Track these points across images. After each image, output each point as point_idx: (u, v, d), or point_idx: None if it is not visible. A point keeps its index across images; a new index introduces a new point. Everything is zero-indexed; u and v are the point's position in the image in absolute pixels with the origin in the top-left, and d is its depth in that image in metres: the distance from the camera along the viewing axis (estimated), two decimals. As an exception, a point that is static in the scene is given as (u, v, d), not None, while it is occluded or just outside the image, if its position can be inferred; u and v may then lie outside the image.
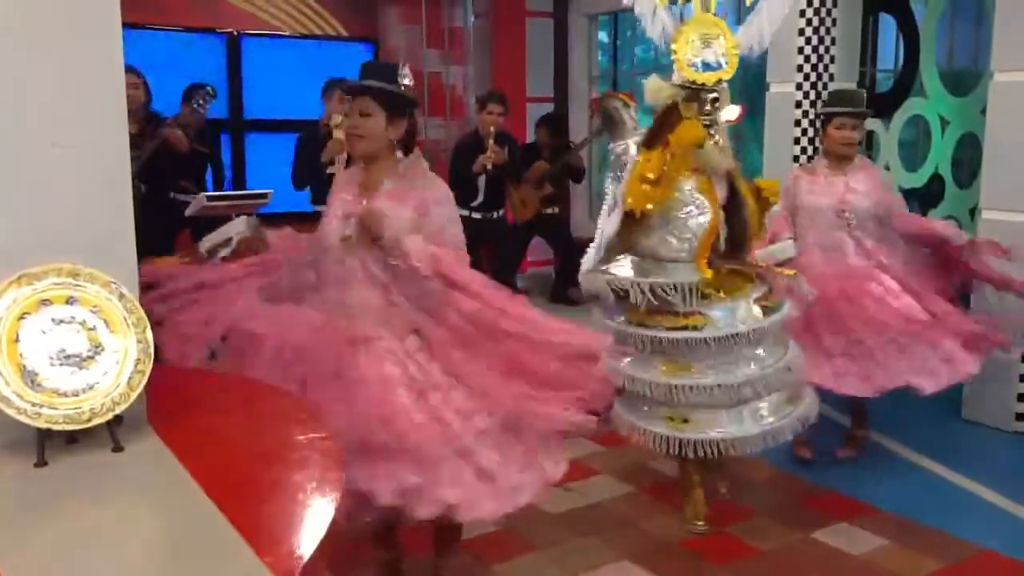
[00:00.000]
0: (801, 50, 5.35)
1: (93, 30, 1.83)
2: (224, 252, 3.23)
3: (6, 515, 1.53)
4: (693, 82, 3.30)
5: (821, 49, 5.31)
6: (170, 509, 1.57)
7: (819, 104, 5.26)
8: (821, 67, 5.33)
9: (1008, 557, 3.38)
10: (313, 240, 2.90)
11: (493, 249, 6.08)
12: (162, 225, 5.23)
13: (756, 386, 3.35)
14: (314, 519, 1.44)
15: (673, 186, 3.29)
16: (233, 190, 6.83)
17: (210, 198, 5.86)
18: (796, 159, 5.43)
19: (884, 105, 5.76)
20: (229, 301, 2.77)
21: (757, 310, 3.42)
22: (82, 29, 1.82)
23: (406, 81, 2.76)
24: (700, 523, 3.61)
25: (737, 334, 3.33)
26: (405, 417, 2.46)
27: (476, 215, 5.90)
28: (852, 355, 3.96)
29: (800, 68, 5.37)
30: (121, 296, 1.81)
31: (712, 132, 3.37)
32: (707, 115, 3.34)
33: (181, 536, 1.46)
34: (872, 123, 5.55)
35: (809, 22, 5.29)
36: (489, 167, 5.73)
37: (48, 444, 1.71)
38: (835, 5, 5.28)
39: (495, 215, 6.03)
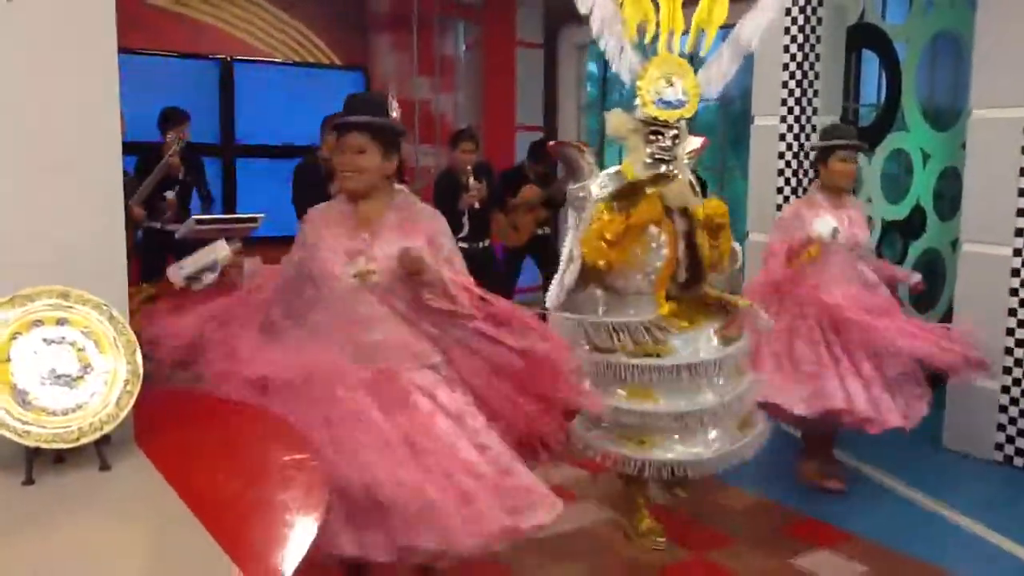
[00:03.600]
0: (785, 84, 5.45)
1: (90, 59, 1.89)
2: (210, 279, 3.22)
3: (20, 541, 1.55)
4: (656, 119, 3.41)
5: (805, 84, 5.40)
6: (156, 527, 1.60)
7: (803, 137, 5.35)
8: (805, 101, 5.42)
9: (984, 584, 3.43)
10: (300, 275, 2.82)
11: (482, 279, 6.12)
12: (156, 251, 5.33)
13: (716, 414, 3.46)
14: (296, 537, 1.47)
15: (627, 252, 3.42)
16: (224, 214, 6.88)
17: (199, 221, 5.91)
18: (780, 190, 5.51)
19: (867, 139, 5.85)
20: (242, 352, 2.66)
21: (716, 340, 3.53)
22: (78, 58, 1.87)
23: (394, 112, 2.78)
24: (660, 539, 3.71)
25: (697, 364, 3.44)
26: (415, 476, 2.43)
27: (463, 245, 5.94)
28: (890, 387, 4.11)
29: (784, 102, 5.46)
30: (111, 318, 1.85)
31: (672, 168, 3.46)
32: (667, 151, 3.43)
33: (166, 553, 1.49)
34: (854, 156, 5.65)
35: (793, 57, 5.40)
36: (476, 205, 5.85)
37: (36, 462, 1.74)
38: (819, 41, 5.38)
39: (481, 245, 6.09)
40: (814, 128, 5.40)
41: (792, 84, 5.43)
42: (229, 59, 7.28)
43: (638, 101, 3.48)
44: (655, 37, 3.48)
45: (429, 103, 8.17)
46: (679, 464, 3.52)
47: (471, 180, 5.85)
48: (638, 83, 3.45)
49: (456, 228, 5.97)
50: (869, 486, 4.51)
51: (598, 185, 3.56)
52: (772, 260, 4.27)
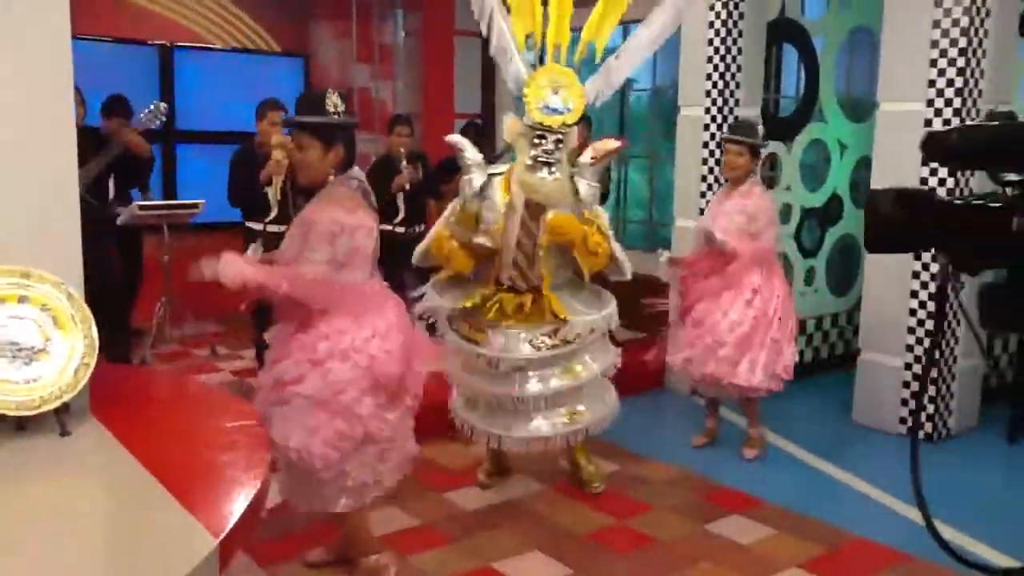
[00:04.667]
0: (709, 76, 5.72)
1: (43, 43, 2.03)
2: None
3: None
4: (540, 124, 3.59)
5: (728, 76, 5.68)
6: (113, 483, 1.78)
7: (726, 127, 5.64)
8: (727, 92, 5.70)
9: (882, 545, 3.74)
10: None
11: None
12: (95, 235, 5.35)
13: (535, 402, 3.89)
14: (243, 489, 1.67)
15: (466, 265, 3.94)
16: (164, 200, 6.95)
17: (142, 207, 6.00)
18: (703, 178, 5.79)
19: (787, 129, 6.17)
20: None
21: (528, 348, 3.84)
22: (32, 42, 2.01)
23: (336, 108, 2.96)
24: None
25: (499, 359, 3.83)
26: None
27: (399, 230, 6.15)
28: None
29: (708, 93, 5.74)
30: (69, 296, 2.01)
31: (553, 169, 3.63)
32: (549, 154, 3.61)
33: (124, 504, 1.68)
34: (775, 146, 5.95)
35: (716, 50, 5.66)
36: (407, 187, 6.02)
37: (1, 428, 1.90)
38: (740, 35, 5.65)
39: (417, 230, 6.26)
40: (736, 117, 5.67)
41: (716, 76, 5.70)
42: (169, 45, 7.32)
43: (525, 107, 3.64)
44: (542, 47, 3.68)
45: (368, 90, 8.29)
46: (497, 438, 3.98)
47: (403, 164, 6.02)
48: (525, 90, 3.63)
49: (392, 213, 6.17)
50: (783, 457, 4.83)
51: (478, 176, 3.83)
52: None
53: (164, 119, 5.43)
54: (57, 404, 1.93)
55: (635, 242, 7.61)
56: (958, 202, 1.52)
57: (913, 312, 5.04)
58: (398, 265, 6.37)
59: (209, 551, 1.42)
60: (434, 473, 4.33)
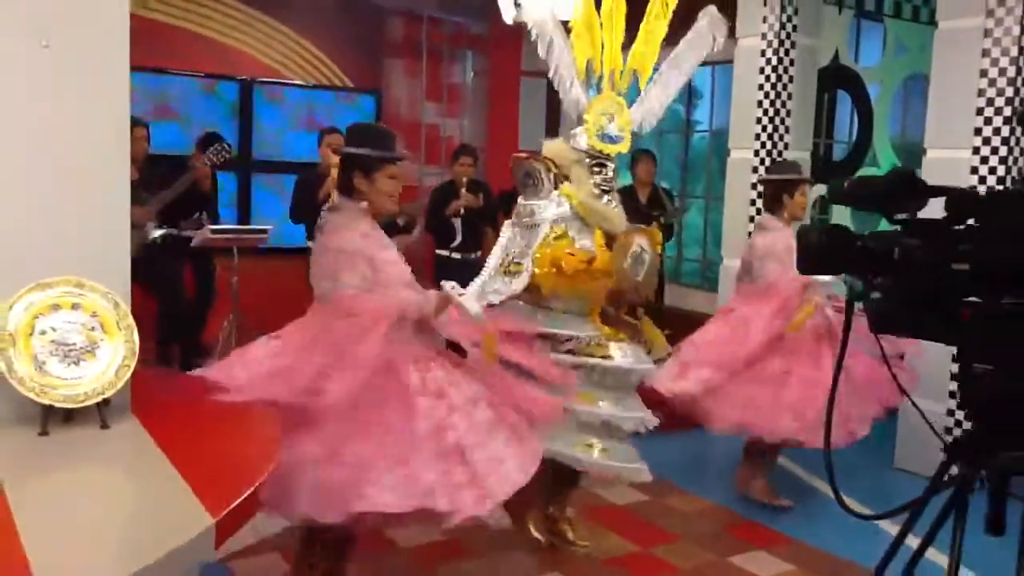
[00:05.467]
0: (759, 120, 5.85)
1: (103, 73, 2.31)
2: None
3: (18, 471, 1.97)
4: (600, 151, 3.69)
5: (777, 120, 5.80)
6: (137, 469, 2.05)
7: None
8: (776, 136, 5.82)
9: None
10: None
11: (472, 289, 6.55)
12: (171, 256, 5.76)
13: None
14: (247, 477, 1.89)
15: (577, 289, 3.67)
16: (239, 225, 7.36)
17: (214, 231, 6.38)
18: (752, 219, 5.89)
19: (840, 172, 6.25)
20: None
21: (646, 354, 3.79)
22: (93, 72, 2.29)
23: None
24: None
25: (641, 369, 3.72)
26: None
27: (456, 255, 6.40)
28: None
29: (758, 136, 5.86)
30: (116, 305, 2.28)
31: (610, 197, 3.74)
32: (608, 182, 3.73)
33: (142, 485, 1.93)
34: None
35: (767, 95, 5.80)
36: (461, 211, 6.26)
37: (50, 418, 2.16)
38: (791, 81, 5.78)
39: (474, 256, 6.49)
40: (784, 161, 5.77)
41: (765, 120, 5.83)
42: (249, 80, 7.76)
43: (581, 133, 3.70)
44: (600, 75, 3.74)
45: (436, 126, 8.62)
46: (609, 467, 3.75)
47: (463, 190, 6.28)
48: (585, 116, 3.69)
49: (449, 236, 6.43)
50: (818, 499, 4.85)
51: (549, 206, 3.70)
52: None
53: (229, 156, 5.80)
54: (98, 399, 2.19)
55: (691, 279, 7.72)
56: (863, 236, 1.89)
57: (955, 358, 5.03)
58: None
59: (205, 528, 1.64)
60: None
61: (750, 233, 5.89)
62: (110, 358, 2.24)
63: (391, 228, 6.36)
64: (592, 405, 3.69)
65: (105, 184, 2.31)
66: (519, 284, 3.60)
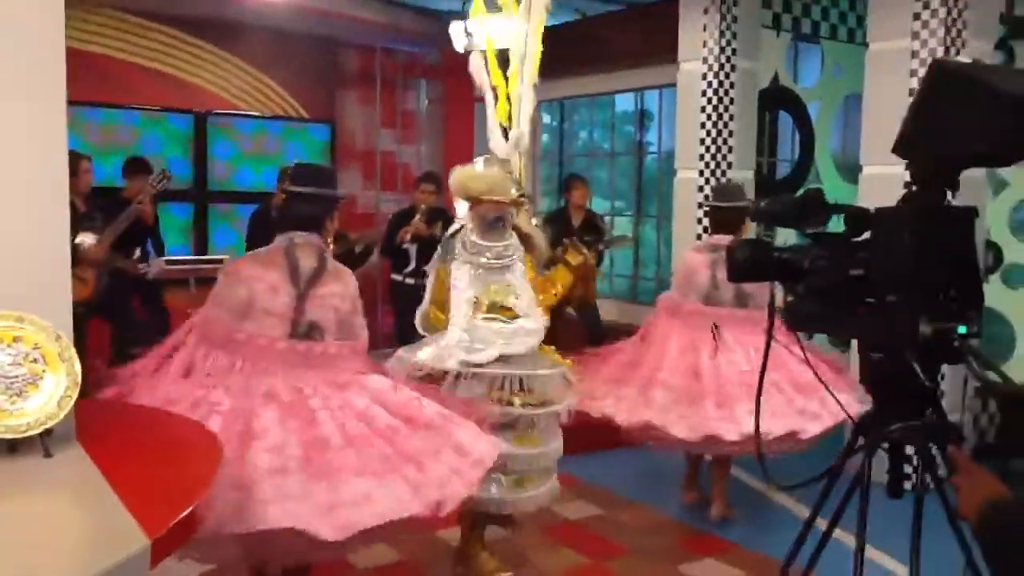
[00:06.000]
0: (702, 141, 6.02)
1: (40, 110, 2.37)
2: None
3: None
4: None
5: (720, 141, 5.97)
6: (77, 494, 2.10)
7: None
8: (720, 156, 5.99)
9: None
10: None
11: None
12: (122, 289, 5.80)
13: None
14: (183, 499, 1.96)
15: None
16: (195, 255, 7.41)
17: (169, 262, 6.43)
18: (699, 236, 6.05)
19: (783, 190, 6.42)
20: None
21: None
22: (29, 109, 2.35)
23: None
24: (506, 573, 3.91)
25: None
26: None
27: (409, 280, 6.48)
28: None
29: (702, 157, 6.03)
30: (58, 337, 2.34)
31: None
32: None
33: (80, 509, 2.00)
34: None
35: (709, 117, 5.97)
36: (408, 238, 6.35)
37: (-7, 450, 2.21)
38: (732, 103, 5.96)
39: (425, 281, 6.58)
40: (729, 180, 5.95)
41: (708, 141, 6.00)
42: (204, 112, 7.82)
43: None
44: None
45: (392, 153, 8.73)
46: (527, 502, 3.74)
47: (416, 217, 6.37)
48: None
49: (404, 263, 6.51)
50: (773, 509, 4.94)
51: (516, 242, 3.87)
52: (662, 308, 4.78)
53: (169, 183, 5.86)
54: (41, 430, 2.24)
55: (648, 298, 7.86)
56: (781, 248, 2.25)
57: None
58: (410, 310, 6.69)
59: (141, 547, 1.71)
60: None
61: (698, 250, 6.06)
62: (52, 389, 2.29)
63: (349, 254, 6.46)
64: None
65: (44, 220, 2.38)
66: (537, 322, 3.75)
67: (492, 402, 3.57)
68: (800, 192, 2.66)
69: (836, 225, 2.20)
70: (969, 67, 1.97)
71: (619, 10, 7.21)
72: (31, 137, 2.35)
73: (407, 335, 6.65)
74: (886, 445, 2.17)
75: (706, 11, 5.92)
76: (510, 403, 3.61)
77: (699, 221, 6.05)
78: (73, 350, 2.37)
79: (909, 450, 2.28)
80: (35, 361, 2.31)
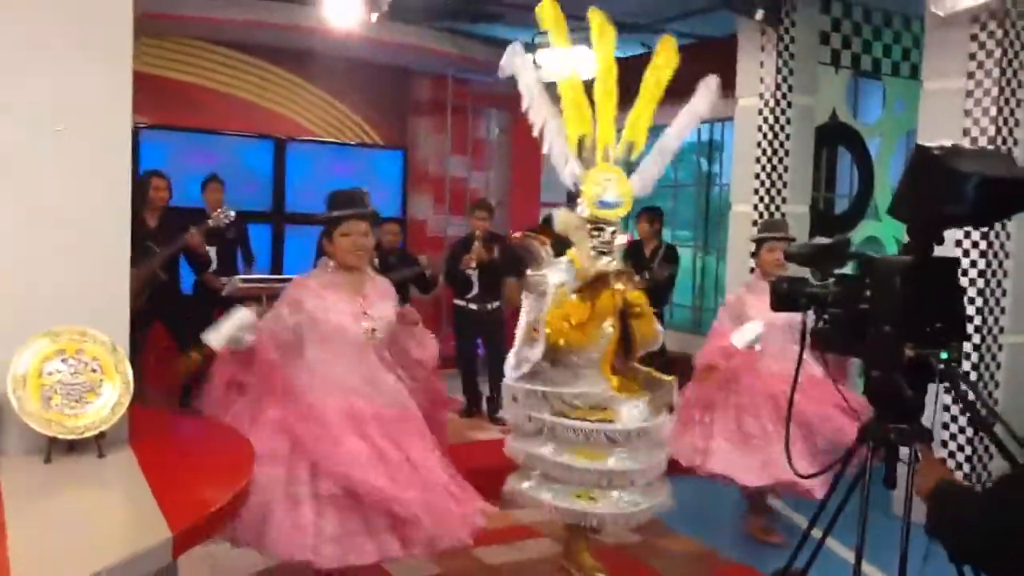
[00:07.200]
0: (758, 176, 6.10)
1: (105, 141, 2.66)
2: (249, 339, 3.69)
3: (28, 496, 2.30)
4: (597, 218, 3.98)
5: (775, 176, 6.05)
6: (118, 491, 2.37)
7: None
8: (774, 191, 6.06)
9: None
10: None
11: (487, 338, 6.85)
12: (197, 304, 6.15)
13: (633, 476, 3.92)
14: (210, 501, 2.19)
15: (587, 334, 3.95)
16: (269, 275, 7.77)
17: (244, 280, 6.79)
18: (752, 270, 6.11)
19: (841, 225, 6.45)
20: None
21: (648, 410, 4.00)
22: (96, 141, 2.64)
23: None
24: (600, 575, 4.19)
25: (641, 429, 3.92)
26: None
27: (472, 306, 6.71)
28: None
29: (756, 191, 6.11)
30: (114, 350, 2.61)
31: (610, 257, 4.01)
32: (606, 244, 3.99)
33: (118, 504, 2.25)
34: (825, 242, 6.24)
35: (764, 152, 6.05)
36: (473, 264, 6.58)
37: (54, 448, 2.49)
38: (788, 138, 6.03)
39: (490, 307, 6.79)
40: (783, 215, 6.01)
41: (763, 176, 6.08)
42: (283, 138, 8.24)
43: (581, 201, 4.02)
44: (593, 148, 4.04)
45: (462, 180, 9.01)
46: (614, 517, 3.97)
47: (476, 244, 6.60)
48: (581, 187, 4.00)
49: (466, 289, 6.74)
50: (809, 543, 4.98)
51: (555, 272, 4.04)
52: (712, 339, 4.88)
53: (229, 222, 6.19)
54: (95, 433, 2.52)
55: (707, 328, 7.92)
56: (815, 284, 2.69)
57: (947, 408, 5.18)
58: (472, 335, 6.91)
59: (163, 540, 1.95)
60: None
61: (750, 284, 6.13)
62: (108, 397, 2.57)
63: (421, 278, 6.73)
64: (596, 462, 3.90)
65: (106, 244, 2.67)
66: (538, 351, 3.95)
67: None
68: (834, 238, 2.97)
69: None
70: (943, 151, 2.29)
71: (684, 44, 7.31)
72: (94, 173, 2.65)
73: (474, 357, 6.87)
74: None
75: (763, 48, 6.03)
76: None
77: (753, 255, 6.12)
78: (127, 362, 2.64)
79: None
80: (94, 371, 2.59)
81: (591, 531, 4.19)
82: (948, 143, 2.35)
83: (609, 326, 4.02)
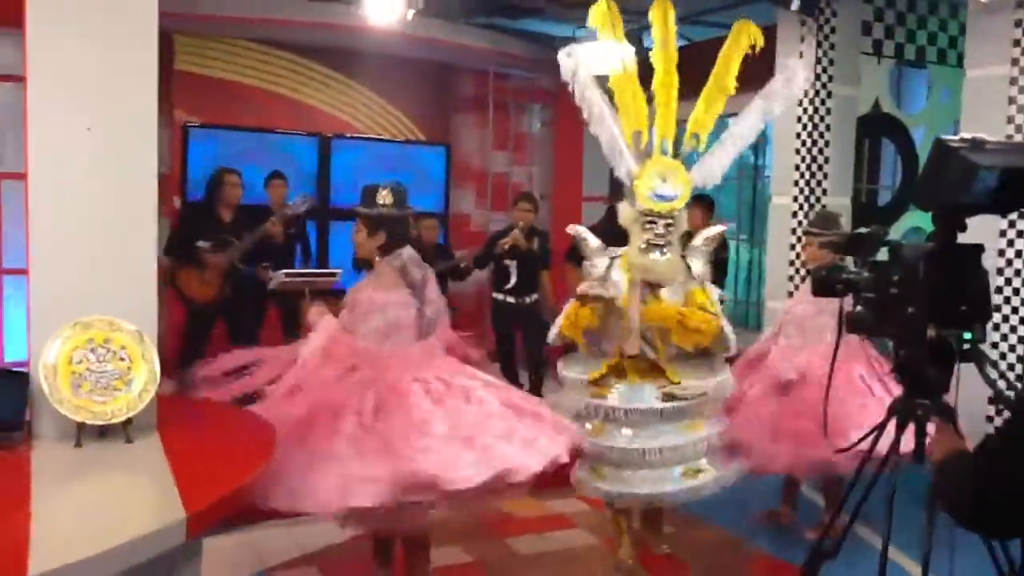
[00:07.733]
0: (797, 167, 6.03)
1: (133, 132, 2.76)
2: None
3: (55, 477, 2.41)
4: (650, 210, 3.95)
5: (814, 167, 5.98)
6: (142, 474, 2.46)
7: (810, 215, 5.91)
8: (814, 183, 5.99)
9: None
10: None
11: (525, 331, 6.88)
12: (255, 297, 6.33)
13: (665, 454, 3.95)
14: (226, 484, 2.27)
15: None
16: (316, 268, 7.90)
17: (287, 275, 6.92)
18: (791, 263, 6.06)
19: (884, 217, 6.35)
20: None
21: (656, 396, 4.01)
22: (124, 131, 2.75)
23: (384, 201, 3.63)
24: (629, 561, 4.23)
25: (630, 409, 3.98)
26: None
27: (509, 299, 6.72)
28: None
29: (796, 183, 6.04)
30: (141, 339, 2.71)
31: (664, 250, 3.98)
32: (660, 237, 3.95)
33: (140, 487, 2.35)
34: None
35: (804, 143, 5.99)
36: (507, 247, 6.57)
37: (84, 434, 2.60)
38: (828, 129, 5.96)
39: (528, 300, 6.80)
40: (824, 207, 5.94)
41: (803, 167, 6.01)
42: (328, 135, 8.37)
43: (636, 196, 3.98)
44: (649, 142, 4.02)
45: (504, 175, 9.05)
46: (641, 497, 4.06)
47: (515, 231, 6.60)
48: (635, 182, 3.98)
49: (504, 280, 6.77)
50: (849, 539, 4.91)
51: (607, 259, 4.13)
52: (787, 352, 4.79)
53: (307, 208, 6.34)
54: (123, 419, 2.62)
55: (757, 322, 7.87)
56: (850, 271, 2.84)
57: (991, 400, 5.08)
58: (510, 327, 6.92)
59: (177, 520, 2.03)
60: (505, 522, 4.74)
61: (791, 276, 6.07)
62: (136, 384, 2.67)
63: (455, 269, 6.80)
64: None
65: (133, 239, 2.77)
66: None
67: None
68: (870, 228, 3.07)
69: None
70: (962, 143, 2.33)
71: (723, 36, 7.25)
72: (122, 170, 2.75)
73: (513, 349, 6.88)
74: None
75: (803, 39, 5.96)
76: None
77: (792, 247, 6.07)
78: (155, 351, 2.74)
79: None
80: (122, 360, 2.70)
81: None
82: (969, 136, 2.36)
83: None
